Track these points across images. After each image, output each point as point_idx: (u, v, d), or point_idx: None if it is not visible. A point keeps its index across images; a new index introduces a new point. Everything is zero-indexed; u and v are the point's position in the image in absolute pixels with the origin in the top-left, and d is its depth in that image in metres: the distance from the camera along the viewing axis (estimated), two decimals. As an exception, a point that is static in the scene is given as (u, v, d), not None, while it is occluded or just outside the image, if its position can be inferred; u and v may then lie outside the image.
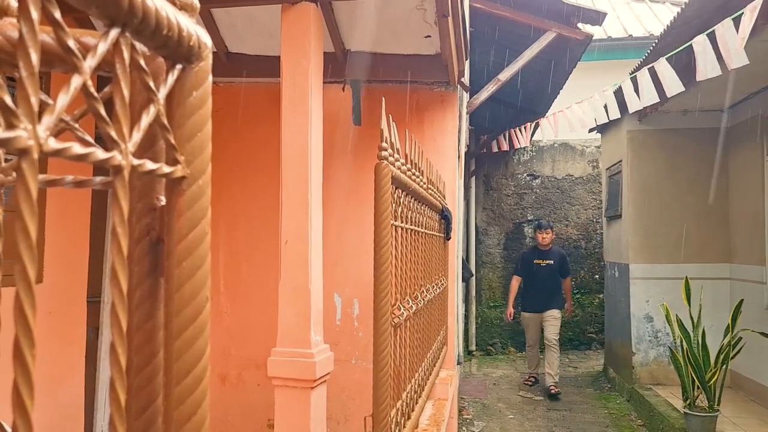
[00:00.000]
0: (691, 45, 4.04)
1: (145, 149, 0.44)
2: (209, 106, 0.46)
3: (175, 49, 0.43)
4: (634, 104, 4.81)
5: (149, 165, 0.41)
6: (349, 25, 3.54)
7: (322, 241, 2.80)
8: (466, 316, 8.72)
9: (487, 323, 9.15)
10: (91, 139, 0.41)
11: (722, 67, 3.84)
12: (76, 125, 0.44)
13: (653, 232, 6.34)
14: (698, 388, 4.72)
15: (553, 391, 6.42)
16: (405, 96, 4.12)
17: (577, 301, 8.81)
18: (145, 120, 0.41)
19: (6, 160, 0.43)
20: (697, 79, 4.05)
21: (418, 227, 2.50)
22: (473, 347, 8.98)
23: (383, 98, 1.92)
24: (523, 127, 6.85)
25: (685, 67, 4.24)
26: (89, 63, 0.35)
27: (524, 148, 8.80)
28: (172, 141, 0.44)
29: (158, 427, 0.44)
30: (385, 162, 1.75)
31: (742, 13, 3.54)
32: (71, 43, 0.33)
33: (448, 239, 3.90)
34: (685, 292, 5.00)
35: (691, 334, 4.83)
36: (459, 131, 4.59)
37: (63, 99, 0.33)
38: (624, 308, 6.59)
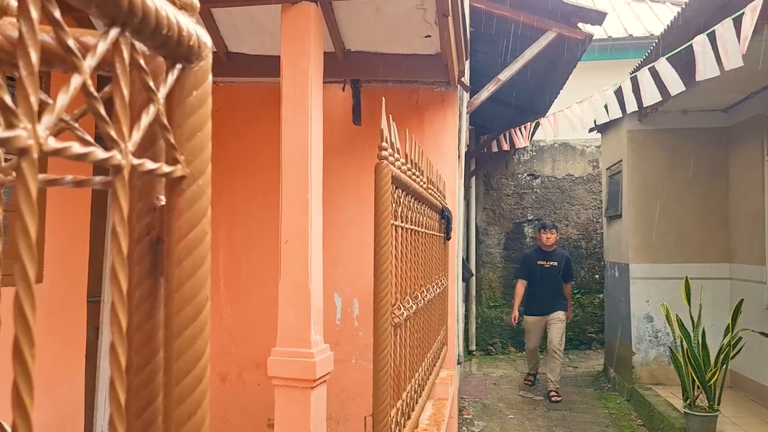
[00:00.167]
0: (691, 45, 4.04)
1: (145, 149, 0.44)
2: (209, 105, 0.46)
3: (174, 49, 0.43)
4: (633, 104, 4.81)
5: (149, 164, 0.41)
6: (349, 24, 3.54)
7: (322, 240, 2.80)
8: (467, 316, 8.72)
9: (488, 323, 9.15)
10: (90, 139, 0.41)
11: (720, 67, 3.84)
12: (76, 125, 0.44)
13: (653, 232, 6.34)
14: (698, 387, 4.72)
15: (554, 399, 6.34)
16: (405, 96, 4.12)
17: (577, 301, 8.81)
18: (145, 119, 0.40)
19: (6, 160, 0.43)
20: (697, 79, 4.05)
21: (419, 227, 2.50)
22: (473, 347, 8.98)
23: (383, 98, 1.92)
24: (523, 126, 6.84)
25: (686, 66, 4.24)
26: (89, 62, 0.35)
27: (524, 147, 8.80)
28: (172, 140, 0.44)
29: (158, 426, 0.44)
30: (385, 162, 1.75)
31: (743, 12, 3.54)
32: (71, 43, 0.33)
33: (449, 239, 3.90)
34: (685, 292, 5.00)
35: (691, 334, 4.83)
36: (459, 131, 4.59)
37: (63, 98, 0.33)
38: (624, 308, 6.59)
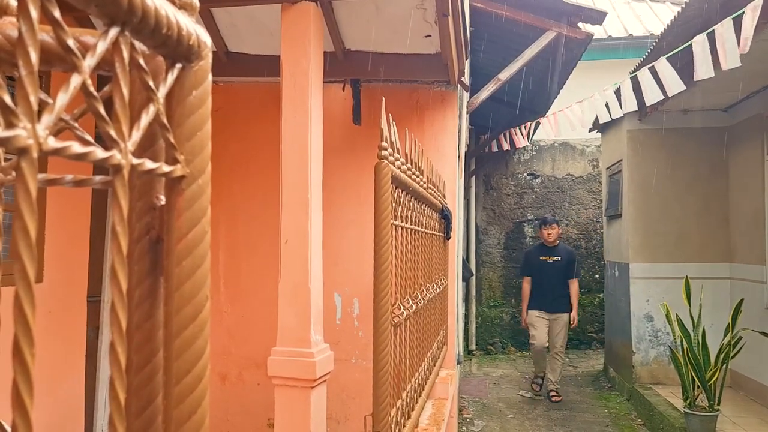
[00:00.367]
0: (690, 45, 4.04)
1: (145, 148, 0.44)
2: (209, 105, 0.46)
3: (174, 48, 0.43)
4: (633, 104, 4.81)
5: (149, 164, 0.41)
6: (349, 24, 3.54)
7: (322, 240, 2.80)
8: (466, 316, 8.72)
9: (487, 323, 9.15)
10: (90, 138, 0.41)
11: (717, 68, 3.84)
12: (76, 124, 0.44)
13: (653, 232, 6.34)
14: (698, 387, 4.72)
15: (554, 399, 6.32)
16: (405, 95, 4.12)
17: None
18: (145, 119, 0.40)
19: (6, 160, 0.43)
20: (694, 80, 4.05)
21: (418, 227, 2.50)
22: (473, 347, 8.98)
23: (383, 98, 1.92)
24: (523, 126, 6.84)
25: (685, 66, 4.24)
26: (88, 62, 0.35)
27: (524, 147, 8.79)
28: (172, 140, 0.44)
29: (158, 426, 0.44)
30: (385, 161, 1.75)
31: (743, 12, 3.54)
32: (71, 42, 0.33)
33: (448, 239, 3.90)
34: (685, 292, 5.00)
35: (692, 334, 4.83)
36: (459, 130, 4.59)
37: (62, 98, 0.33)
38: (624, 308, 6.58)
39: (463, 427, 5.50)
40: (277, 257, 2.74)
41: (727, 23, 3.69)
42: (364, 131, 4.07)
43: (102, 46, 0.36)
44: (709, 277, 6.03)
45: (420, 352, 2.60)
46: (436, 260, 3.30)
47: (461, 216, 6.14)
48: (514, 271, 9.09)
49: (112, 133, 0.37)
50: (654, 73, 4.48)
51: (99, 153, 0.35)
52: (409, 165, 2.17)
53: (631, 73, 4.88)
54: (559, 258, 6.50)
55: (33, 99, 0.31)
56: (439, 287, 3.40)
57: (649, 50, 5.21)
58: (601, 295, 8.62)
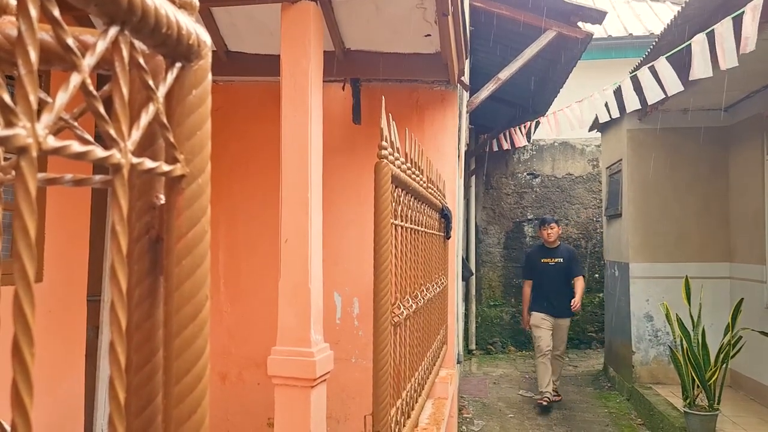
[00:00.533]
0: (690, 44, 4.04)
1: (145, 148, 0.44)
2: (208, 104, 0.46)
3: (174, 48, 0.43)
4: (633, 103, 4.81)
5: (148, 163, 0.41)
6: (349, 23, 3.54)
7: (322, 239, 2.80)
8: (466, 315, 8.72)
9: (487, 322, 9.16)
10: (90, 138, 0.41)
11: (716, 67, 3.84)
12: (76, 123, 0.44)
13: (653, 231, 6.34)
14: (698, 387, 4.72)
15: (554, 399, 6.19)
16: (405, 95, 4.12)
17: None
18: (145, 118, 0.40)
19: (5, 159, 0.43)
20: (690, 79, 4.05)
21: (418, 226, 2.50)
22: (473, 346, 8.98)
23: (383, 97, 1.92)
24: (523, 125, 6.84)
25: (685, 66, 4.24)
26: (88, 61, 0.35)
27: (524, 147, 8.79)
28: (172, 139, 0.44)
29: (158, 425, 0.44)
30: (385, 161, 1.75)
31: (743, 11, 3.53)
32: (70, 41, 0.33)
33: (448, 238, 3.90)
34: (685, 291, 5.00)
35: (691, 333, 4.83)
36: (459, 130, 4.59)
37: (62, 97, 0.33)
38: (624, 307, 6.58)
39: (463, 427, 5.50)
40: (277, 257, 2.74)
41: (727, 23, 3.69)
42: (364, 131, 4.07)
43: (101, 45, 0.36)
44: (709, 276, 6.03)
45: (420, 352, 2.60)
46: (436, 260, 3.30)
47: (461, 215, 6.14)
48: (514, 271, 9.09)
49: (112, 132, 0.37)
50: (654, 72, 4.47)
51: (98, 152, 0.35)
52: (409, 164, 2.17)
53: (630, 73, 4.88)
54: (561, 259, 6.30)
55: (32, 98, 0.31)
56: (439, 287, 3.40)
57: (649, 50, 5.21)
58: (601, 294, 8.62)
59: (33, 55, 0.31)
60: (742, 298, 4.95)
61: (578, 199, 9.27)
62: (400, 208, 2.03)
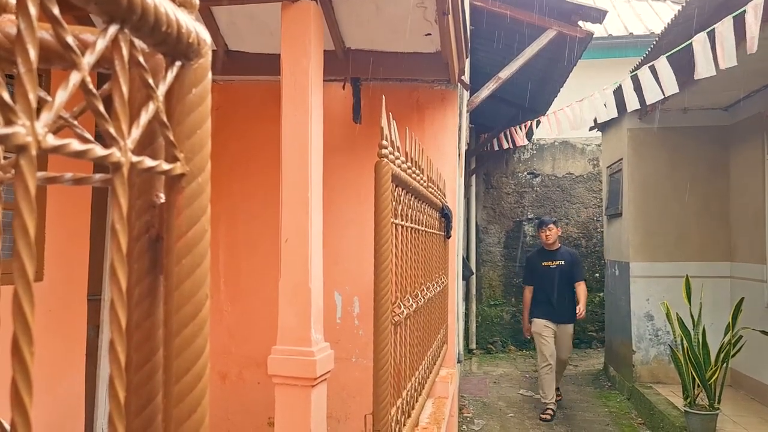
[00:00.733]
0: (691, 43, 4.03)
1: (145, 146, 0.44)
2: (208, 103, 0.46)
3: (174, 46, 0.43)
4: (633, 102, 4.81)
5: (148, 162, 0.41)
6: (350, 22, 3.54)
7: (323, 239, 2.80)
8: (467, 315, 8.72)
9: (488, 321, 9.16)
10: (90, 136, 0.41)
11: (717, 66, 3.83)
12: (75, 122, 0.44)
13: (654, 231, 6.34)
14: (699, 386, 4.72)
15: (556, 398, 6.16)
16: (405, 94, 4.12)
17: (577, 300, 8.80)
18: (144, 117, 0.40)
19: (5, 158, 0.43)
20: (695, 78, 4.04)
21: (419, 225, 2.50)
22: (473, 345, 8.98)
23: (383, 96, 1.92)
24: (523, 125, 6.84)
25: (686, 65, 4.24)
26: (88, 59, 0.35)
27: (524, 146, 8.79)
28: (172, 138, 0.43)
29: (158, 424, 0.44)
30: (386, 160, 1.75)
31: (744, 11, 3.53)
32: (70, 40, 0.33)
33: (449, 237, 3.90)
34: (685, 291, 5.00)
35: (692, 333, 4.83)
36: (459, 129, 4.59)
37: (61, 95, 0.33)
38: (624, 306, 6.58)
39: (464, 426, 5.50)
40: (277, 256, 2.74)
41: (727, 22, 3.69)
42: (365, 130, 4.07)
43: (101, 44, 0.36)
44: (709, 276, 6.03)
45: (420, 351, 2.60)
46: (437, 259, 3.30)
47: (461, 215, 6.14)
48: (514, 270, 9.09)
49: (112, 130, 0.37)
50: (653, 72, 4.47)
51: (98, 150, 0.35)
52: (409, 164, 2.17)
53: (631, 72, 4.88)
54: (563, 262, 6.01)
55: (32, 96, 0.31)
56: (440, 286, 3.39)
57: (649, 49, 5.20)
58: (602, 294, 8.62)
59: (32, 54, 0.31)
60: (743, 298, 4.95)
61: (578, 198, 9.27)
62: (400, 208, 2.03)
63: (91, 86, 0.35)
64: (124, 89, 0.38)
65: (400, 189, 2.02)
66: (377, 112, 3.55)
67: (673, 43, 4.45)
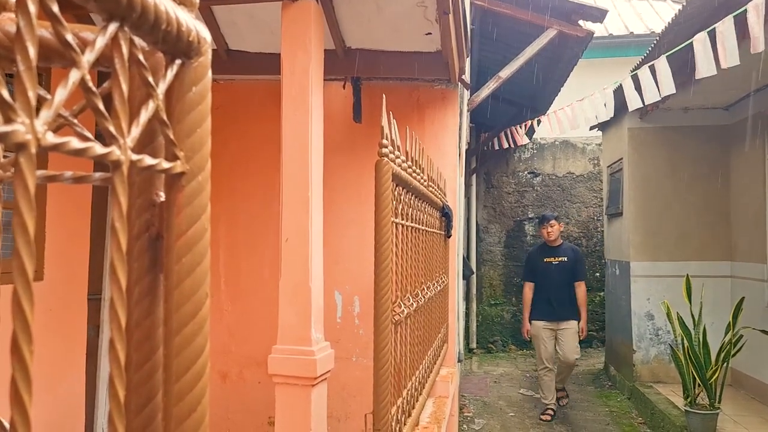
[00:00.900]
0: (691, 43, 4.03)
1: (144, 145, 0.44)
2: (209, 101, 0.46)
3: (174, 44, 0.42)
4: (634, 102, 4.80)
5: (148, 160, 0.40)
6: (350, 22, 3.54)
7: (323, 238, 2.80)
8: (467, 314, 8.72)
9: (488, 321, 9.16)
10: (89, 134, 0.40)
11: (717, 66, 3.83)
12: (75, 120, 0.44)
13: (654, 230, 6.34)
14: (699, 386, 4.72)
15: (561, 403, 6.04)
16: (406, 93, 4.11)
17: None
18: (144, 115, 0.40)
19: (5, 157, 0.43)
20: (696, 78, 4.04)
21: (419, 225, 2.50)
22: (474, 345, 8.98)
23: (384, 95, 1.92)
24: (524, 124, 6.83)
25: (686, 64, 4.23)
26: (87, 57, 0.35)
27: (525, 145, 8.78)
28: (172, 136, 0.43)
29: (158, 423, 0.43)
30: (386, 159, 1.75)
31: (745, 10, 3.52)
32: (69, 38, 0.33)
33: (449, 237, 3.90)
34: (686, 290, 5.00)
35: (692, 332, 4.82)
36: (460, 128, 4.59)
37: (61, 93, 0.33)
38: (625, 306, 6.58)
39: (464, 426, 5.50)
40: (277, 256, 2.74)
41: (728, 21, 3.68)
42: (365, 129, 4.07)
43: (101, 42, 0.36)
44: (709, 275, 6.03)
45: (421, 350, 2.60)
46: (437, 258, 3.30)
47: (462, 214, 6.13)
48: (514, 270, 9.09)
49: (112, 129, 0.37)
50: (653, 72, 4.47)
51: (98, 149, 0.35)
52: (409, 163, 2.16)
53: (631, 72, 4.88)
54: (566, 258, 5.81)
55: (31, 94, 0.31)
56: (440, 285, 3.39)
57: (650, 48, 5.20)
58: (602, 293, 8.62)
59: (32, 52, 0.31)
60: (743, 297, 4.95)
61: (579, 197, 9.27)
62: (400, 207, 2.03)
63: (90, 84, 0.35)
64: (124, 87, 0.38)
65: (401, 188, 2.02)
66: (378, 112, 3.55)
67: (674, 42, 4.45)
